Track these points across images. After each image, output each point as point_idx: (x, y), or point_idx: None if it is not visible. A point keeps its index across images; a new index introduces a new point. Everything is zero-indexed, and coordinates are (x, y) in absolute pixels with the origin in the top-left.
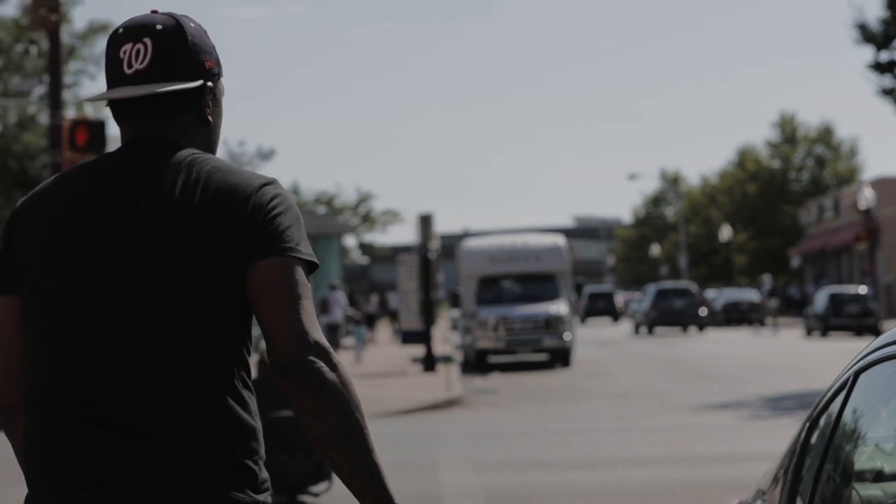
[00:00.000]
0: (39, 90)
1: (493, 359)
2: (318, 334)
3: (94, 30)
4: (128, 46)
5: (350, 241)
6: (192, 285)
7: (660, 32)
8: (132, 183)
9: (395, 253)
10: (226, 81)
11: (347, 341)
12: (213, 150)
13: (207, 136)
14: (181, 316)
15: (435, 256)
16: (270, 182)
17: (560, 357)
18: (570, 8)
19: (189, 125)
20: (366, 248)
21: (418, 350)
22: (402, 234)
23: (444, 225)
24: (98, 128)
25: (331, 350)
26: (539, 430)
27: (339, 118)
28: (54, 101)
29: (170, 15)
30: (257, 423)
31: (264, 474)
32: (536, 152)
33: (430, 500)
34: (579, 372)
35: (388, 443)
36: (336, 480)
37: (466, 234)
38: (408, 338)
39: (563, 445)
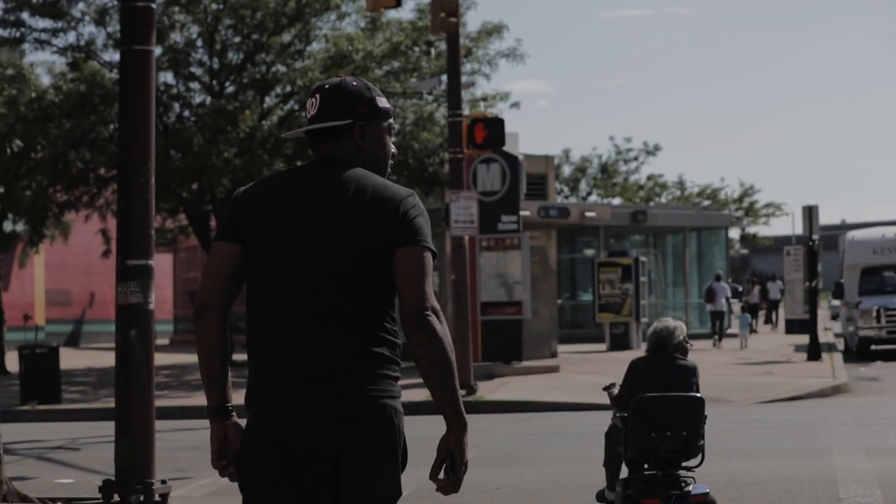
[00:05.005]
0: (436, 90)
1: (875, 347)
2: (433, 300)
3: (486, 32)
4: (310, 100)
5: (733, 233)
6: (357, 260)
7: None
8: (321, 188)
9: (775, 244)
10: (612, 81)
11: (733, 329)
12: (378, 169)
13: (364, 158)
14: (350, 281)
15: (818, 247)
16: (411, 194)
17: None
18: None
19: (348, 149)
20: (747, 240)
21: (800, 339)
22: (782, 225)
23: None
24: (496, 125)
25: (440, 311)
26: None
27: (722, 114)
28: (453, 100)
29: (341, 77)
30: (399, 341)
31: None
32: None
33: (825, 484)
34: None
35: (778, 428)
36: (708, 458)
37: (844, 226)
38: (792, 326)
39: None
